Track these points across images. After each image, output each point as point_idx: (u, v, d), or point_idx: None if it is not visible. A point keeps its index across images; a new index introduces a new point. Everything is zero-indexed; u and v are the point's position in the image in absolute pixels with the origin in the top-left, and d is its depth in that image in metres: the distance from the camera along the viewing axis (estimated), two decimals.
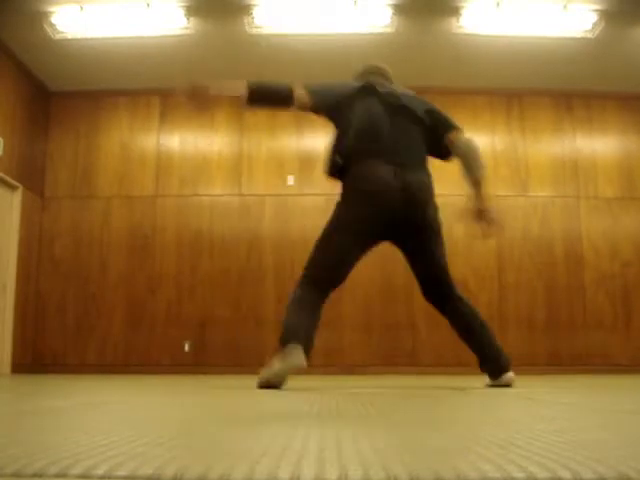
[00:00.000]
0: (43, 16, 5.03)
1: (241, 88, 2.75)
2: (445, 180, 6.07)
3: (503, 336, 5.83)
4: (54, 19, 5.04)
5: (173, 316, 5.84)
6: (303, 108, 2.87)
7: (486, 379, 3.13)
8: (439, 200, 5.94)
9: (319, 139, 6.16)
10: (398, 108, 2.92)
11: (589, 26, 5.12)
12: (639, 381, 3.94)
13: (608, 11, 4.98)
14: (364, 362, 5.74)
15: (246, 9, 5.00)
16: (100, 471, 0.66)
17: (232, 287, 5.90)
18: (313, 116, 3.00)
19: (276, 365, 2.73)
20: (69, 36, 5.27)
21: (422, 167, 2.99)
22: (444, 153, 3.11)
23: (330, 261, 2.90)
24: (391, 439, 0.96)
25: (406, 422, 1.27)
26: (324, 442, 0.90)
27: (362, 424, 1.16)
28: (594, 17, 5.01)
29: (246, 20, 5.09)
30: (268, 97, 2.82)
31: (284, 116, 6.21)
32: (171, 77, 6.04)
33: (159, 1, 4.90)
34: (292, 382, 3.62)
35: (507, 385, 2.97)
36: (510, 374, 3.00)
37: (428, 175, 3.00)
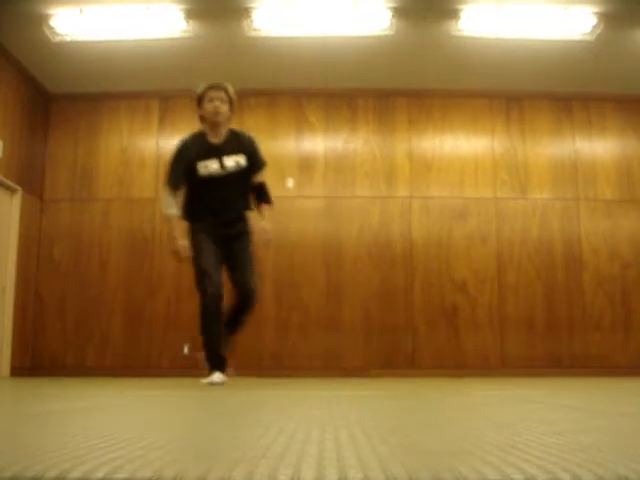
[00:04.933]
0: (42, 19, 5.02)
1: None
2: (443, 183, 6.07)
3: (503, 338, 5.83)
4: (53, 22, 5.03)
5: (172, 318, 5.83)
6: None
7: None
8: (437, 202, 5.95)
9: (318, 142, 6.17)
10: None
11: (588, 29, 5.12)
12: (638, 383, 3.94)
13: (607, 14, 4.98)
14: (363, 365, 5.73)
15: (245, 12, 5.00)
16: (100, 474, 0.66)
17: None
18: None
19: None
20: (68, 39, 5.26)
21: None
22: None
23: None
24: (391, 441, 0.96)
25: (405, 424, 1.27)
26: (324, 444, 0.90)
27: (361, 426, 1.16)
28: (593, 20, 5.01)
29: (245, 23, 5.09)
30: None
31: (284, 118, 6.22)
32: (171, 80, 6.05)
33: (158, 4, 4.90)
34: (292, 384, 3.61)
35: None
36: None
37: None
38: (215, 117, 3.55)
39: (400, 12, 4.96)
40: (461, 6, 4.89)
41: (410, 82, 6.05)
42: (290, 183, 6.04)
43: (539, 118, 6.22)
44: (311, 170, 6.07)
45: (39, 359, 5.83)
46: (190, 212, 3.57)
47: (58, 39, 5.23)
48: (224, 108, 3.59)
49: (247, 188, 3.66)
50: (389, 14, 4.97)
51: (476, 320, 5.77)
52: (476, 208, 5.98)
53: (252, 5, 4.92)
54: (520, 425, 1.24)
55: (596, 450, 0.83)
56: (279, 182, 6.06)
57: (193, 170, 3.50)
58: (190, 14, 5.00)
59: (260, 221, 3.68)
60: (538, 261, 5.91)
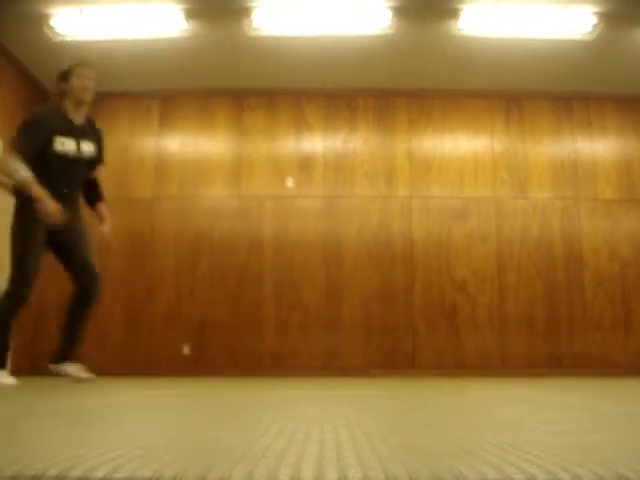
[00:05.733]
0: (42, 18, 5.02)
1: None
2: (443, 183, 6.07)
3: (503, 337, 5.83)
4: (53, 21, 5.03)
5: (172, 318, 5.83)
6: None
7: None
8: (437, 201, 5.95)
9: (318, 142, 6.16)
10: None
11: (588, 28, 5.11)
12: (638, 383, 3.94)
13: (607, 13, 4.98)
14: (363, 365, 5.73)
15: (245, 11, 5.00)
16: (100, 473, 0.66)
17: (231, 289, 5.89)
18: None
19: None
20: (69, 39, 5.26)
21: None
22: None
23: None
24: (390, 441, 0.96)
25: (405, 424, 1.27)
26: (323, 444, 0.90)
27: (361, 426, 1.16)
28: (593, 19, 5.00)
29: (245, 22, 5.08)
30: None
31: (283, 118, 6.21)
32: (171, 80, 6.05)
33: (158, 4, 4.90)
34: (291, 384, 3.61)
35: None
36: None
37: None
38: (84, 95, 3.44)
39: (400, 12, 4.95)
40: (461, 6, 4.89)
41: (410, 82, 6.05)
42: (290, 183, 6.04)
43: (539, 118, 6.22)
44: (310, 170, 6.07)
45: (39, 359, 5.83)
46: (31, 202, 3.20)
47: (58, 39, 5.23)
48: (93, 87, 3.49)
49: (85, 179, 3.57)
50: (389, 14, 4.96)
51: (476, 320, 5.77)
52: (476, 207, 5.98)
53: (252, 5, 4.92)
54: (520, 425, 1.24)
55: (596, 450, 0.83)
56: (279, 182, 6.06)
57: (49, 144, 3.29)
58: (190, 14, 5.00)
59: (99, 223, 3.64)
60: (538, 260, 5.91)
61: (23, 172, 3.14)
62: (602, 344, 5.79)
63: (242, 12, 4.99)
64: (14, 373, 5.50)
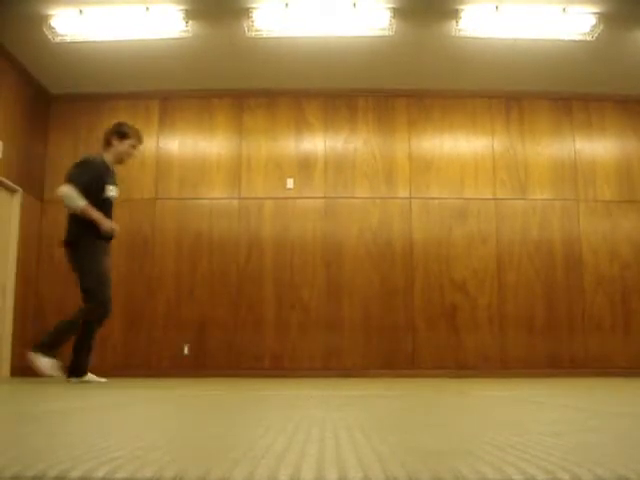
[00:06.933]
0: (43, 19, 5.02)
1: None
2: (443, 184, 6.07)
3: (503, 338, 5.83)
4: (54, 22, 5.03)
5: (172, 318, 5.83)
6: None
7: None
8: (437, 202, 5.96)
9: (318, 142, 6.17)
10: None
11: (588, 29, 5.12)
12: (638, 384, 3.94)
13: (607, 14, 4.98)
14: (363, 365, 5.73)
15: (245, 12, 5.00)
16: (100, 473, 0.66)
17: (231, 289, 5.90)
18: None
19: None
20: (68, 39, 5.26)
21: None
22: None
23: None
24: (390, 441, 0.96)
25: (405, 425, 1.27)
26: (324, 444, 0.91)
27: (361, 426, 1.16)
28: (593, 20, 5.01)
29: (245, 23, 5.09)
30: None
31: (283, 119, 6.22)
32: (171, 80, 6.05)
33: (158, 5, 4.90)
34: (291, 385, 3.62)
35: None
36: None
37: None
38: (126, 160, 4.10)
39: (400, 12, 4.96)
40: (461, 6, 4.89)
41: (410, 82, 6.06)
42: (290, 184, 6.04)
43: (539, 118, 6.22)
44: (311, 170, 6.07)
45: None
46: (92, 226, 3.81)
47: (58, 39, 5.23)
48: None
49: None
50: (389, 14, 4.96)
51: (476, 320, 5.77)
52: (476, 208, 5.98)
53: (252, 5, 4.92)
54: (520, 425, 1.24)
55: (596, 450, 0.83)
56: (279, 182, 6.06)
57: (101, 189, 3.88)
58: (190, 14, 5.00)
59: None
60: (538, 261, 5.92)
61: (81, 202, 3.76)
62: (601, 344, 5.79)
63: (242, 13, 4.99)
64: (14, 373, 5.50)
